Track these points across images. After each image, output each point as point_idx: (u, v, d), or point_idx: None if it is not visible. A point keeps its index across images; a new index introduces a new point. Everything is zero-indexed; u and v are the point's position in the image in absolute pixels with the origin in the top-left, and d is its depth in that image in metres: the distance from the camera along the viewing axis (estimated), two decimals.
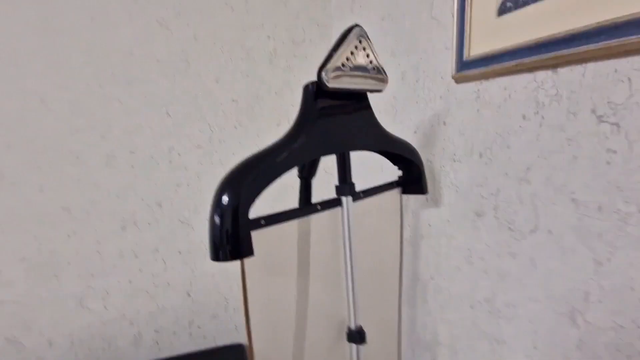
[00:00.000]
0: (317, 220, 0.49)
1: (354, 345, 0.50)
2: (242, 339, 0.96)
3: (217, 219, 0.37)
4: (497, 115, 0.50)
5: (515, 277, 0.50)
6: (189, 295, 0.91)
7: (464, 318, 0.59)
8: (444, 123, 0.61)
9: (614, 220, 0.37)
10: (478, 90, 0.53)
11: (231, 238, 0.37)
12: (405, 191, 0.63)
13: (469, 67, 0.52)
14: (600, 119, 0.38)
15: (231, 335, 0.97)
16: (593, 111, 0.38)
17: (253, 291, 0.42)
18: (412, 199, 0.70)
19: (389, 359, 0.64)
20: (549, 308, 0.45)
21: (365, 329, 0.51)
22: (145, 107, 0.82)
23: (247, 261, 0.40)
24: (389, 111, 0.76)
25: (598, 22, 0.36)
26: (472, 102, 0.55)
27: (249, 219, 0.38)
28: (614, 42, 0.35)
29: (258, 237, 0.41)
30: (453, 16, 0.54)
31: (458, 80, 0.56)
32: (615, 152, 0.37)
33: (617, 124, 0.36)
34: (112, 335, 0.83)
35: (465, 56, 0.53)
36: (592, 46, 0.37)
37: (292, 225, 0.46)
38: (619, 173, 0.36)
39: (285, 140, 0.43)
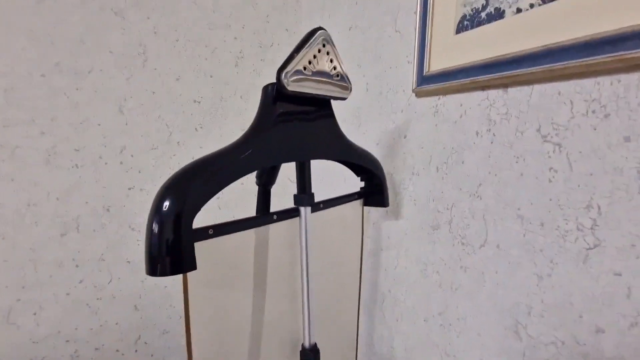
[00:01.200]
0: (274, 230, 0.46)
1: None
2: None
3: (155, 228, 0.33)
4: (454, 130, 0.52)
5: (467, 290, 0.50)
6: (136, 309, 0.84)
7: (418, 331, 0.59)
8: (405, 136, 0.61)
9: (554, 237, 0.39)
10: (437, 105, 0.54)
11: (172, 249, 0.34)
12: (367, 203, 0.62)
13: (429, 82, 0.54)
14: (544, 138, 0.39)
15: (182, 352, 0.90)
16: (538, 131, 0.40)
17: (197, 309, 0.38)
18: (373, 210, 0.70)
19: None
20: (495, 321, 0.46)
21: (322, 345, 0.49)
22: (95, 101, 0.75)
23: (191, 275, 0.37)
24: (353, 121, 0.76)
25: (544, 45, 0.38)
26: (431, 117, 0.56)
27: (192, 228, 0.35)
28: (558, 65, 0.37)
29: (206, 248, 0.38)
30: (415, 31, 0.56)
31: (418, 94, 0.57)
32: (557, 171, 0.38)
33: (559, 144, 0.38)
34: (44, 356, 0.74)
35: (425, 71, 0.54)
36: (537, 68, 0.38)
37: (247, 236, 0.43)
38: (560, 191, 0.38)
39: (239, 144, 0.40)
